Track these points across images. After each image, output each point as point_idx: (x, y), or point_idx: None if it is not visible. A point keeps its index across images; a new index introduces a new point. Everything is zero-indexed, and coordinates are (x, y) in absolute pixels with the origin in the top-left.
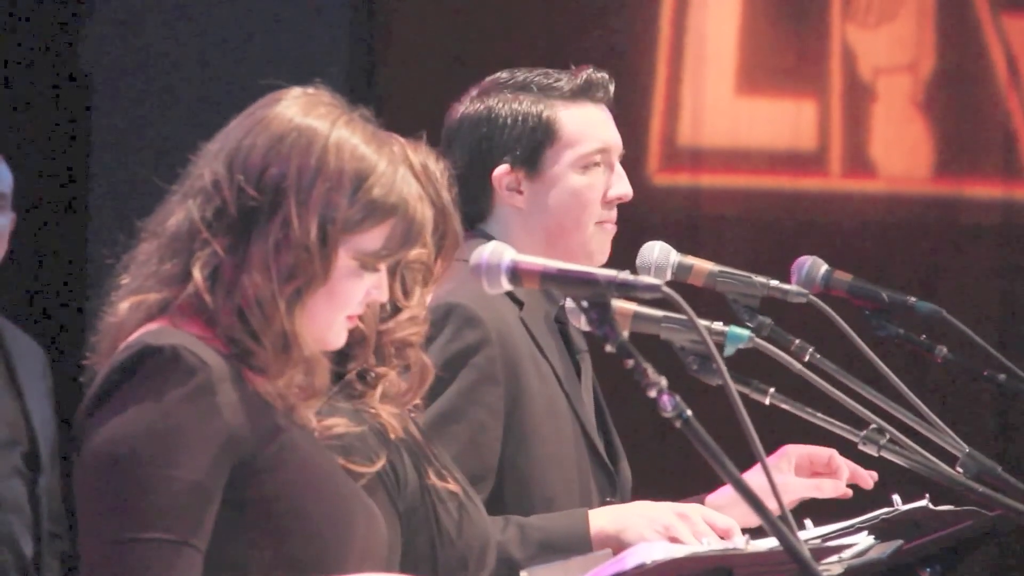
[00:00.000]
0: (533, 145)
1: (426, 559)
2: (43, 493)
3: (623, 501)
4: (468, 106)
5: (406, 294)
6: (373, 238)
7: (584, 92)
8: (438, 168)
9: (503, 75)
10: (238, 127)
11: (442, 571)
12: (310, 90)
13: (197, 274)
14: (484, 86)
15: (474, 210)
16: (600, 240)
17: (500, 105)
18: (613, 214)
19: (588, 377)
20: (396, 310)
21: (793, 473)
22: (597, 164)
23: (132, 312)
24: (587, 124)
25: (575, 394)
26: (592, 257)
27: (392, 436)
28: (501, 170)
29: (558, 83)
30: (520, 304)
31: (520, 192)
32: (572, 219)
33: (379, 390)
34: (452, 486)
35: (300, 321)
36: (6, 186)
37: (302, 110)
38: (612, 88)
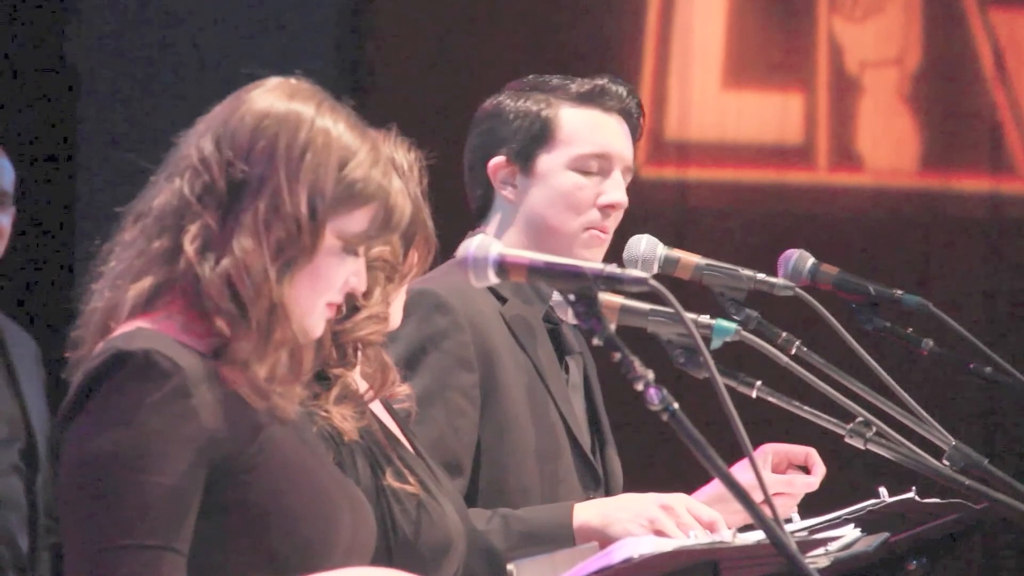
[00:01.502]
0: (529, 140)
1: (381, 560)
2: (40, 490)
3: (608, 495)
4: (485, 103)
5: (366, 293)
6: (357, 220)
7: (591, 97)
8: (407, 160)
9: (529, 77)
10: (223, 110)
11: (397, 566)
12: (291, 79)
13: (188, 246)
14: (507, 86)
15: (478, 202)
16: (586, 245)
17: (508, 101)
18: (607, 222)
19: (578, 377)
20: (354, 309)
21: (769, 471)
22: (592, 168)
23: (125, 297)
24: (587, 127)
25: (559, 391)
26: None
27: (346, 439)
28: (496, 162)
29: (567, 85)
30: (503, 300)
31: (514, 186)
32: (557, 218)
33: (334, 392)
34: (411, 487)
35: (289, 295)
36: (8, 182)
37: (287, 95)
38: (633, 102)
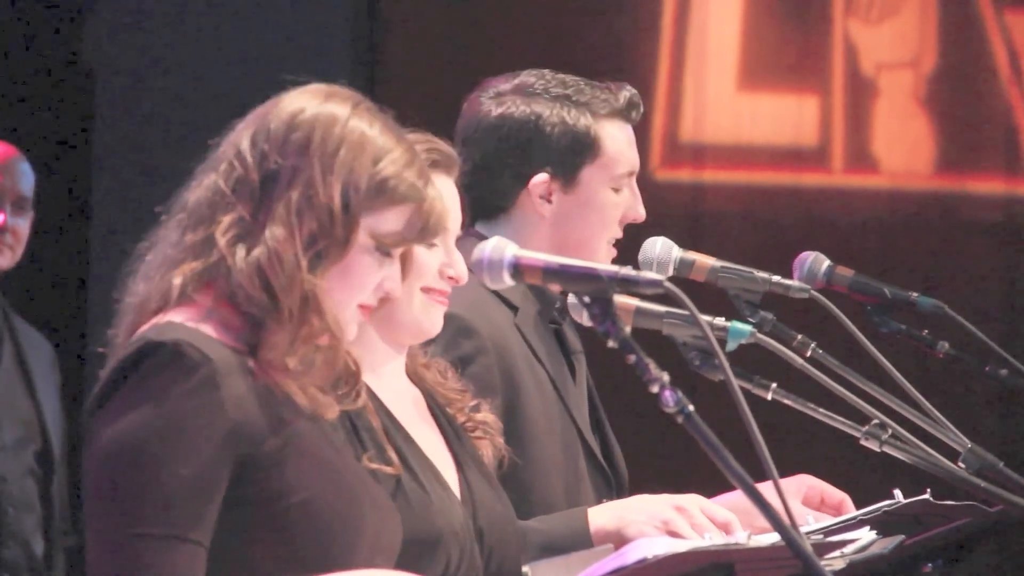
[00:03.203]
0: (576, 159)
1: None
2: (55, 492)
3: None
4: (511, 106)
5: None
6: (390, 219)
7: (625, 112)
8: None
9: (536, 80)
10: (260, 109)
11: None
12: (330, 85)
13: (220, 237)
14: (521, 87)
15: (490, 205)
16: (607, 259)
17: (548, 113)
18: (621, 234)
19: (583, 377)
20: None
21: (799, 501)
22: (624, 185)
23: (157, 290)
24: (624, 145)
25: (570, 397)
26: None
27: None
28: (541, 179)
29: (602, 99)
30: (515, 309)
31: (549, 202)
32: (592, 236)
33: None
34: (390, 469)
35: (321, 286)
36: (28, 188)
37: (323, 96)
38: (642, 110)
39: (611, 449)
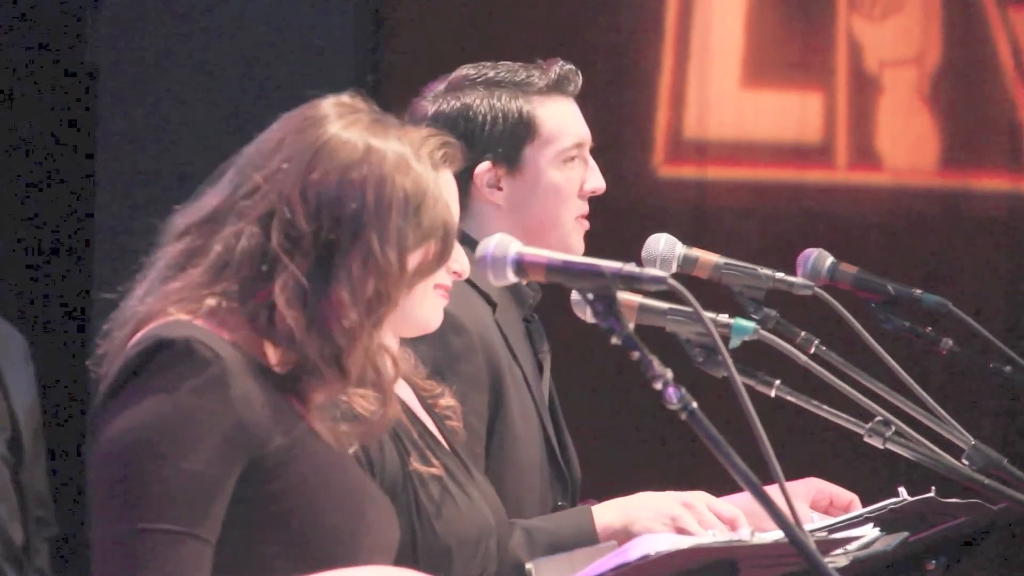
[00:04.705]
0: (514, 142)
1: (406, 546)
2: (27, 479)
3: (573, 502)
4: (442, 103)
5: None
6: (423, 253)
7: (558, 87)
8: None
9: (469, 71)
10: (298, 144)
11: (422, 558)
12: (346, 99)
13: (280, 297)
14: (453, 82)
15: None
16: (578, 235)
17: (478, 102)
18: (587, 208)
19: (547, 376)
20: None
21: (807, 503)
22: (573, 159)
23: (171, 310)
24: (564, 119)
25: (540, 398)
26: (571, 252)
27: None
28: (483, 167)
29: (531, 78)
30: (494, 306)
31: (500, 189)
32: (552, 215)
33: None
34: (435, 469)
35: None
36: None
37: (364, 129)
38: (580, 81)
39: (567, 451)
